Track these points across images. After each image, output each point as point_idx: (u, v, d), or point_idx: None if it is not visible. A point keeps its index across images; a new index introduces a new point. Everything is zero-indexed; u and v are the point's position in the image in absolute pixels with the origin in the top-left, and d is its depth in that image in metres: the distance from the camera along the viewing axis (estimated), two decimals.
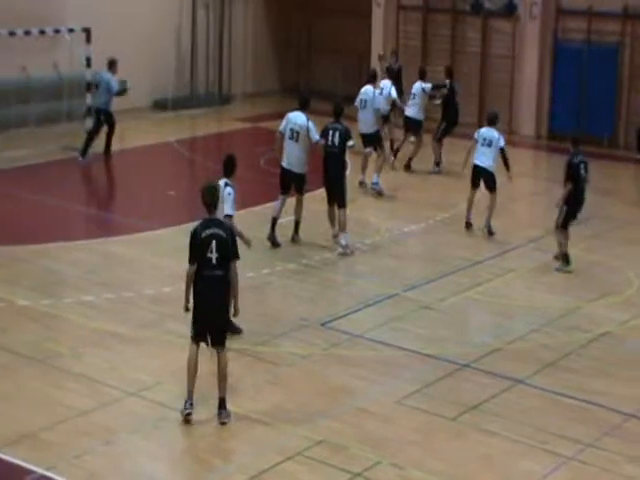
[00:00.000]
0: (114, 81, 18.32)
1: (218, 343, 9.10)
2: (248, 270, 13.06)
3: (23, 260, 13.24)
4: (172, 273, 12.47)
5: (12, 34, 18.22)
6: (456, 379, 10.29)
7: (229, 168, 10.81)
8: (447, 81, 18.69)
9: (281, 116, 14.76)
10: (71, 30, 19.14)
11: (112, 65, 18.38)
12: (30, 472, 8.19)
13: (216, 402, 9.13)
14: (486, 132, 14.99)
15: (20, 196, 16.17)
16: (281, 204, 14.16)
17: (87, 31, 19.01)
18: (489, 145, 14.84)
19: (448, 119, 18.74)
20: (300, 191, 14.18)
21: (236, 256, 9.05)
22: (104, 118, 18.31)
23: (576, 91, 21.01)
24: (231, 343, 10.73)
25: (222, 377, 9.08)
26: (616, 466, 8.63)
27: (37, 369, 10.07)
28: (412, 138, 18.72)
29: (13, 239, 14.10)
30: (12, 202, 15.91)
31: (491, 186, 14.93)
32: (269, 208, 14.64)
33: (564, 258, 13.46)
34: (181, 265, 12.36)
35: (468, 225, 15.06)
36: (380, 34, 23.46)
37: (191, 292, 9.05)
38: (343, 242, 13.96)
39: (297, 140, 13.94)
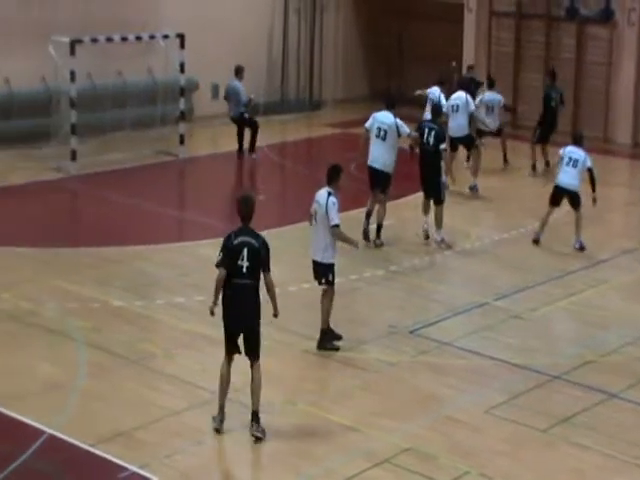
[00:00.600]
0: (243, 91, 19.14)
1: (250, 353, 8.96)
2: (337, 276, 13.10)
3: (116, 261, 13.53)
4: None
5: (109, 40, 18.62)
6: (546, 390, 10.13)
7: (332, 177, 10.79)
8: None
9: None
10: (165, 36, 19.47)
11: (238, 72, 19.14)
12: (123, 469, 8.37)
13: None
14: (572, 151, 14.51)
15: (115, 199, 16.52)
16: (371, 200, 14.43)
17: (181, 37, 19.31)
18: (574, 165, 14.33)
19: (544, 124, 18.52)
20: (384, 191, 14.23)
21: (267, 268, 8.91)
22: (247, 123, 19.21)
23: None
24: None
25: (255, 389, 8.89)
26: None
27: (131, 369, 10.28)
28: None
29: (107, 241, 14.41)
30: (107, 205, 16.26)
31: (576, 205, 14.46)
32: (360, 213, 14.64)
33: None
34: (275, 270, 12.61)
35: (536, 242, 14.54)
36: (472, 40, 23.27)
37: (219, 297, 8.90)
38: (438, 238, 14.18)
39: (384, 139, 14.06)
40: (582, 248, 14.39)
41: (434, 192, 14.28)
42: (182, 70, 19.40)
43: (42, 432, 8.84)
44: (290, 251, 13.89)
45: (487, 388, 10.15)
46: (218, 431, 8.92)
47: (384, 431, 9.16)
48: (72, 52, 17.74)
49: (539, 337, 11.46)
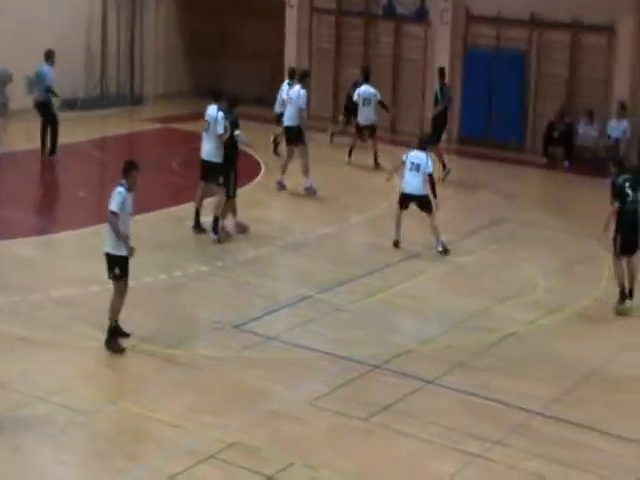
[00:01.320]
0: (51, 76, 18.54)
1: None
2: (161, 272, 13.01)
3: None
4: (78, 275, 12.31)
5: None
6: (367, 380, 10.40)
7: (126, 171, 10.80)
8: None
9: (193, 117, 14.84)
10: None
11: (49, 57, 18.62)
12: None
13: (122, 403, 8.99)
14: (414, 156, 14.47)
15: None
16: (201, 194, 14.53)
17: None
18: (417, 170, 14.34)
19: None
20: (217, 183, 14.31)
21: None
22: (49, 114, 18.41)
23: (485, 96, 21.43)
24: (142, 345, 10.71)
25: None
26: (521, 463, 8.83)
27: None
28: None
29: None
30: None
31: (426, 209, 14.51)
32: (182, 210, 14.58)
33: (622, 294, 12.51)
34: (87, 268, 12.38)
35: (396, 244, 14.53)
36: (293, 36, 23.53)
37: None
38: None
39: (207, 131, 14.39)
40: (445, 250, 14.41)
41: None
42: None
43: None
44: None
45: (310, 380, 10.31)
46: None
47: (208, 427, 9.16)
48: None
49: (361, 328, 11.74)
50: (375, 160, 19.34)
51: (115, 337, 10.54)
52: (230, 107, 14.55)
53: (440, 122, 19.14)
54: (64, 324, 11.22)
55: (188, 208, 15.07)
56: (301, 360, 10.81)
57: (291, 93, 17.40)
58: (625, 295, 12.50)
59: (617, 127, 20.01)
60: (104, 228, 10.88)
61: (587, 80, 20.61)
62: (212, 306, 12.16)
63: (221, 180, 14.29)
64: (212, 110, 14.43)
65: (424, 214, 14.58)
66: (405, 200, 14.66)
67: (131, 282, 12.35)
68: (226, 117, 14.32)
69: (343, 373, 10.48)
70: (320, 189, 17.08)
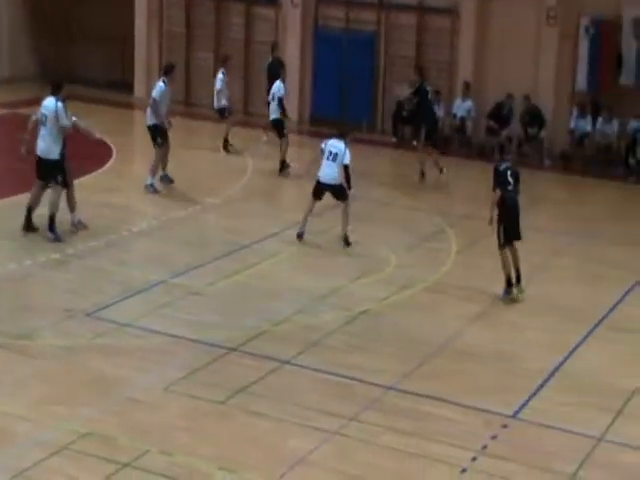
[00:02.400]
0: None
1: None
2: (8, 262, 12.65)
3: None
4: None
5: None
6: (224, 363, 10.43)
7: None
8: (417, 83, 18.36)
9: (38, 102, 14.31)
10: None
11: None
12: None
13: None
14: (332, 145, 14.19)
15: None
16: (37, 192, 13.84)
17: None
18: (334, 159, 14.09)
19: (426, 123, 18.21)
20: (56, 181, 13.66)
21: None
22: None
23: (336, 78, 21.68)
24: None
25: None
26: (375, 437, 9.06)
27: None
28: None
29: None
30: None
31: (341, 198, 14.28)
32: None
33: (508, 283, 12.49)
34: None
35: (299, 236, 14.19)
36: (143, 19, 23.17)
37: None
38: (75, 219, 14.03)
39: (45, 124, 13.55)
40: (347, 243, 14.12)
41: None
42: None
43: None
44: None
45: (166, 366, 10.26)
46: None
47: (61, 419, 8.99)
48: None
49: (217, 311, 11.75)
50: (225, 141, 19.21)
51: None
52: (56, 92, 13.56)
53: (418, 119, 18.49)
54: None
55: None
56: (156, 346, 10.74)
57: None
58: (512, 284, 12.43)
59: (462, 106, 20.62)
60: None
61: (433, 62, 21.11)
62: (63, 294, 11.91)
63: (60, 178, 13.51)
64: (50, 102, 13.53)
65: (339, 202, 14.33)
66: (320, 189, 14.32)
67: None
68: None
69: (199, 357, 10.48)
70: (174, 174, 16.90)
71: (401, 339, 11.29)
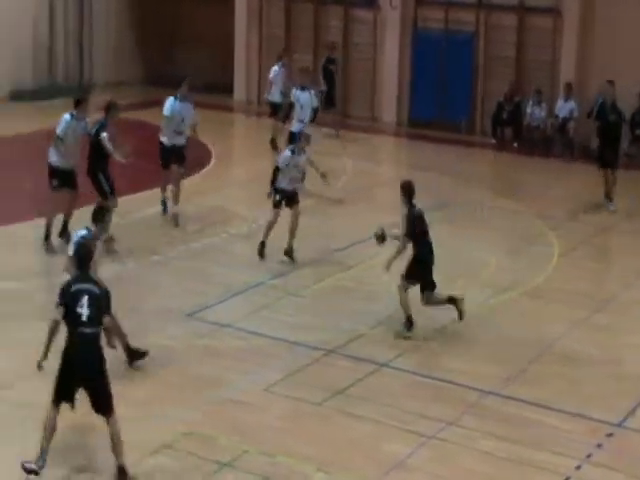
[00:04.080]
0: None
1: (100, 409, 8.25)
2: (112, 263, 12.93)
3: None
4: (15, 268, 12.16)
5: None
6: (321, 365, 10.47)
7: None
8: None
9: (144, 106, 14.70)
10: None
11: None
12: None
13: None
14: None
15: None
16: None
17: None
18: None
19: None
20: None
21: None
22: None
23: (435, 79, 21.55)
24: None
25: (117, 442, 8.16)
26: (474, 442, 8.97)
27: None
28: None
29: None
30: None
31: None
32: (124, 201, 14.48)
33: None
34: (21, 262, 12.25)
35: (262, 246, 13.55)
36: (243, 22, 23.45)
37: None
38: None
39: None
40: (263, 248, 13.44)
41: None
42: None
43: None
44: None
45: (265, 367, 10.36)
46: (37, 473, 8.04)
47: (163, 417, 9.16)
48: None
49: (315, 314, 11.80)
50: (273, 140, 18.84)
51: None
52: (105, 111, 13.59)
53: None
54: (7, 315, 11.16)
55: (130, 200, 15.01)
56: (255, 347, 10.85)
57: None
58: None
59: (564, 107, 20.24)
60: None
61: (534, 61, 20.80)
62: (165, 295, 12.13)
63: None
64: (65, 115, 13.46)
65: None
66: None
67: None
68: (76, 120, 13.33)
69: (297, 359, 10.54)
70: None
71: (501, 343, 11.15)
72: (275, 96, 19.17)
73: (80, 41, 23.73)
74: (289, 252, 13.31)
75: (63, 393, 8.06)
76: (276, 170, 13.59)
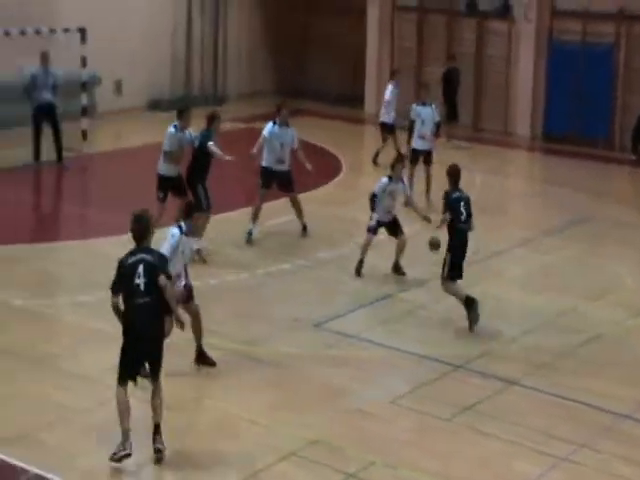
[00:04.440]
0: (53, 74, 17.91)
1: (153, 376, 8.58)
2: (243, 271, 13.13)
3: (17, 260, 13.24)
4: None
5: (7, 34, 18.19)
6: (450, 380, 10.31)
7: (185, 213, 10.26)
8: None
9: (275, 116, 14.82)
10: (66, 30, 19.12)
11: (44, 59, 17.81)
12: (26, 472, 8.20)
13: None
14: None
15: (15, 196, 16.17)
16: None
17: (82, 31, 18.99)
18: None
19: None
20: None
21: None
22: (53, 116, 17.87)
23: (571, 92, 21.05)
24: (225, 343, 10.82)
25: (159, 404, 8.53)
26: (609, 466, 8.65)
27: (35, 369, 10.07)
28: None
29: (8, 239, 14.08)
30: (7, 202, 15.89)
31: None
32: (263, 209, 14.66)
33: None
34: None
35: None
36: (375, 34, 23.49)
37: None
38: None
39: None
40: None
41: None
42: (84, 64, 19.08)
43: None
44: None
45: (392, 379, 10.28)
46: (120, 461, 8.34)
47: (290, 425, 9.19)
48: None
49: (443, 328, 11.64)
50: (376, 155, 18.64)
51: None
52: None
53: None
54: None
55: (269, 207, 15.17)
56: (382, 359, 10.78)
57: None
58: None
59: None
60: None
61: None
62: (293, 304, 12.19)
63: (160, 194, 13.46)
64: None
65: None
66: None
67: (213, 280, 12.64)
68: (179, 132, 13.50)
69: (425, 372, 10.41)
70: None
71: (636, 366, 10.73)
72: (389, 117, 18.52)
73: (215, 54, 24.27)
74: (397, 268, 13.16)
75: (129, 370, 8.41)
76: (373, 197, 13.23)
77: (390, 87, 18.74)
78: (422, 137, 16.31)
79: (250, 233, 14.25)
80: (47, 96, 17.78)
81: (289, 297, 12.46)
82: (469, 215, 11.66)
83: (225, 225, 14.87)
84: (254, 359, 10.56)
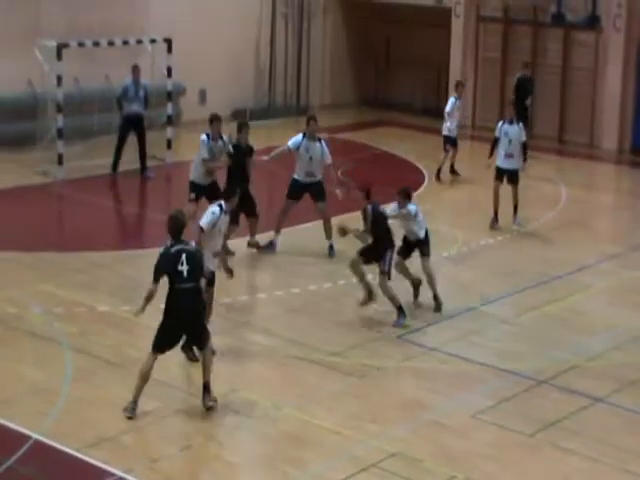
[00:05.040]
0: (144, 85, 18.26)
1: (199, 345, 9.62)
2: (324, 281, 13.14)
3: (102, 266, 13.49)
4: (248, 282, 12.53)
5: (96, 44, 18.60)
6: (532, 395, 10.14)
7: (226, 198, 10.91)
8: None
9: (358, 127, 14.88)
10: (153, 40, 19.45)
11: (135, 71, 18.16)
12: (109, 474, 8.33)
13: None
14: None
15: (101, 203, 16.48)
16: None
17: (168, 41, 19.30)
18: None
19: None
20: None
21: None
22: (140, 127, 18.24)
23: None
24: (307, 352, 10.84)
25: (207, 364, 9.46)
26: None
27: (116, 374, 10.23)
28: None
29: (93, 245, 14.37)
30: (93, 209, 16.22)
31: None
32: (346, 219, 14.59)
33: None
34: (254, 277, 12.68)
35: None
36: (459, 45, 23.33)
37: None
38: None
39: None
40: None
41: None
42: (169, 74, 19.38)
43: (27, 437, 8.79)
44: (279, 256, 13.95)
45: (473, 393, 10.15)
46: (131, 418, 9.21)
47: (370, 436, 9.14)
48: (59, 56, 17.70)
49: (526, 342, 11.47)
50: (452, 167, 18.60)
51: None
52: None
53: None
54: (231, 329, 11.50)
55: (352, 218, 15.12)
56: (464, 372, 10.65)
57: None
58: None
59: None
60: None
61: None
62: (375, 315, 12.15)
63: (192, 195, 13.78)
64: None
65: None
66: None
67: (295, 290, 12.66)
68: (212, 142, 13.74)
69: (507, 387, 10.26)
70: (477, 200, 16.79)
71: None
72: (452, 130, 18.34)
73: (298, 65, 24.41)
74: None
75: (165, 343, 9.36)
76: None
77: (452, 99, 18.54)
78: (509, 156, 15.82)
79: (331, 247, 14.15)
80: (137, 108, 18.17)
81: (371, 308, 12.40)
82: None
83: (306, 235, 14.93)
84: (336, 369, 10.54)
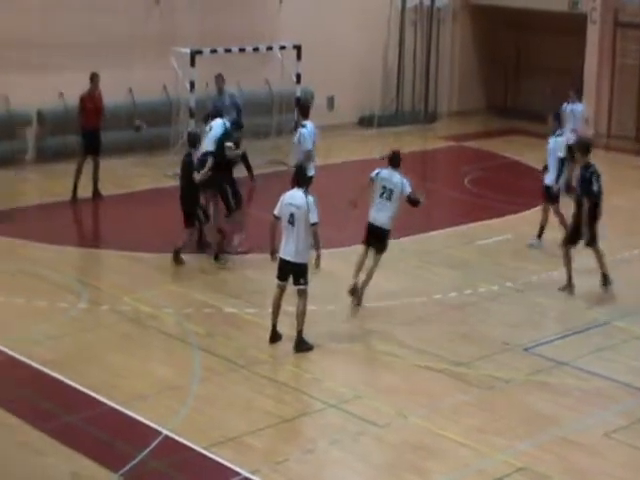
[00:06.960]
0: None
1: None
2: (450, 290, 12.94)
3: (226, 267, 13.61)
4: (378, 290, 12.41)
5: (228, 51, 18.89)
6: None
7: (300, 180, 11.37)
8: None
9: (486, 135, 14.64)
10: (282, 47, 19.63)
11: (219, 80, 17.65)
12: (235, 473, 8.36)
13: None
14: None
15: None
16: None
17: (298, 48, 19.44)
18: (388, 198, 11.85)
19: None
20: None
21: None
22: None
23: None
24: (433, 362, 10.67)
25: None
26: None
27: (242, 375, 10.30)
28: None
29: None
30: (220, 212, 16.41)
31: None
32: (472, 228, 14.45)
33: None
34: (385, 283, 12.55)
35: (353, 291, 11.97)
36: (595, 52, 22.67)
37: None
38: None
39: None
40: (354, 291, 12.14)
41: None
42: (298, 81, 19.51)
43: (159, 433, 8.94)
44: (406, 263, 13.82)
45: (606, 411, 9.79)
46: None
47: (496, 449, 8.92)
48: (192, 63, 18.07)
49: None
50: None
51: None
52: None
53: None
54: (359, 336, 11.47)
55: (479, 227, 14.93)
56: (595, 389, 10.29)
57: None
58: None
59: None
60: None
61: None
62: (501, 326, 11.89)
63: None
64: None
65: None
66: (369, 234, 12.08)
67: (421, 299, 12.53)
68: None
69: None
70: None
71: None
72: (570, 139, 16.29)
73: (427, 72, 24.22)
74: None
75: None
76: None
77: (565, 104, 17.56)
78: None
79: None
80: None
81: (497, 319, 12.15)
82: None
83: (432, 243, 14.78)
84: (464, 380, 10.36)
